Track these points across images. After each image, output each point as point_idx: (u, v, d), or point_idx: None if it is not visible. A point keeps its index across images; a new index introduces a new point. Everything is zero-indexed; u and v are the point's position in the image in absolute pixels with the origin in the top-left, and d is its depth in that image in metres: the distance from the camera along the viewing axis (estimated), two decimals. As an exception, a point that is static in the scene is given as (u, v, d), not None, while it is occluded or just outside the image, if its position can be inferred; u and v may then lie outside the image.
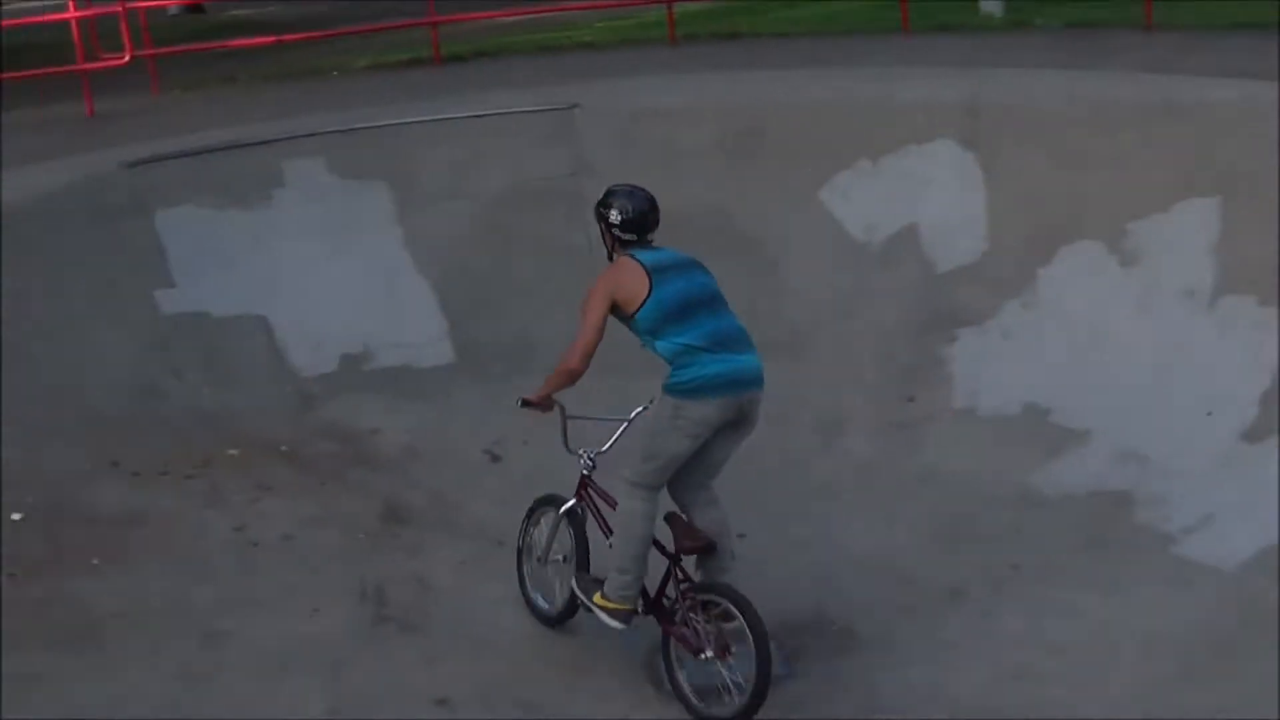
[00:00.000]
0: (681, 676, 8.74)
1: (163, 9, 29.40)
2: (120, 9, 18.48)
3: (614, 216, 9.23)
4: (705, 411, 8.86)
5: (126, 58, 18.28)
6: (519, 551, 9.87)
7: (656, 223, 9.35)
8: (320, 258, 13.20)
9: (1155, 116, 12.68)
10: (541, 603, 9.68)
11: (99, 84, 18.19)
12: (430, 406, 12.39)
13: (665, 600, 8.98)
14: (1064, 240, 12.28)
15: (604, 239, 9.42)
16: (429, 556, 10.33)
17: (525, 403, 9.65)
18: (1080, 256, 12.18)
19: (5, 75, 20.04)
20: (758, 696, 8.25)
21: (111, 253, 12.71)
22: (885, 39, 18.81)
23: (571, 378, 9.42)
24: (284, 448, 11.65)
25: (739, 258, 13.24)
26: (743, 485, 10.93)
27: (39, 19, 23.81)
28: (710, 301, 9.25)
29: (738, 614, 8.41)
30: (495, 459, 11.32)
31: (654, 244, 9.33)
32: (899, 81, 14.83)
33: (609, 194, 9.32)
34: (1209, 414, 10.78)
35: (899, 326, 12.51)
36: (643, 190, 9.39)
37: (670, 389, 8.97)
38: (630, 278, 9.02)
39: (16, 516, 10.00)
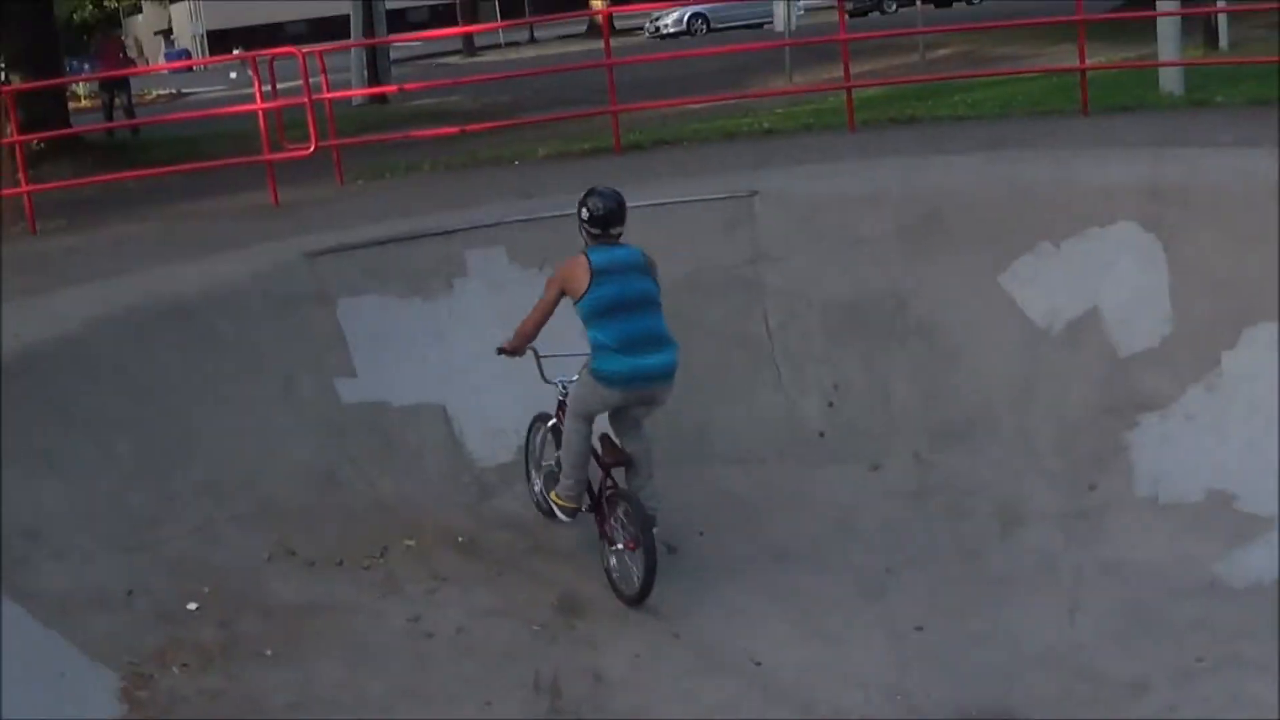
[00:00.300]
0: (609, 560, 11.02)
1: (347, 100, 29.96)
2: (306, 100, 18.76)
3: (584, 213, 10.98)
4: (610, 395, 10.82)
5: (312, 148, 18.55)
6: (525, 457, 12.31)
7: (621, 220, 10.97)
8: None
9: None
10: (541, 498, 11.93)
11: (284, 174, 18.48)
12: (606, 496, 12.38)
13: (601, 501, 11.17)
14: (1248, 322, 12.01)
15: (579, 232, 11.07)
16: (605, 649, 10.26)
17: (501, 350, 11.51)
18: (1265, 338, 11.88)
19: (194, 165, 20.52)
20: (646, 585, 10.54)
21: (294, 341, 12.89)
22: (1065, 120, 18.61)
23: (525, 339, 11.35)
24: (461, 537, 11.69)
25: (918, 344, 13.21)
26: (922, 575, 10.87)
27: (227, 110, 24.28)
28: (637, 305, 10.79)
29: (635, 519, 10.61)
30: (671, 549, 11.25)
31: (619, 241, 11.01)
32: (1079, 163, 14.66)
33: (588, 193, 11.07)
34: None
35: (1080, 412, 12.31)
36: (614, 191, 11.10)
37: (589, 369, 10.83)
38: (578, 273, 10.80)
39: (192, 606, 10.13)
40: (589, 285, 10.66)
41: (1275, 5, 21.12)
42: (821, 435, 12.99)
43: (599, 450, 11.19)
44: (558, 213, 13.95)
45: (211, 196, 19.04)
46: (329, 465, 12.15)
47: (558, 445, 11.39)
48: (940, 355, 13.11)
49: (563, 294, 10.93)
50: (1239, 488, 11.14)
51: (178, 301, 12.87)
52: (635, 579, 10.65)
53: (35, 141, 22.50)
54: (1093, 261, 13.08)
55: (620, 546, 10.82)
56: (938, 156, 16.13)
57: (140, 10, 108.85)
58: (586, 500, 11.25)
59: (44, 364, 11.64)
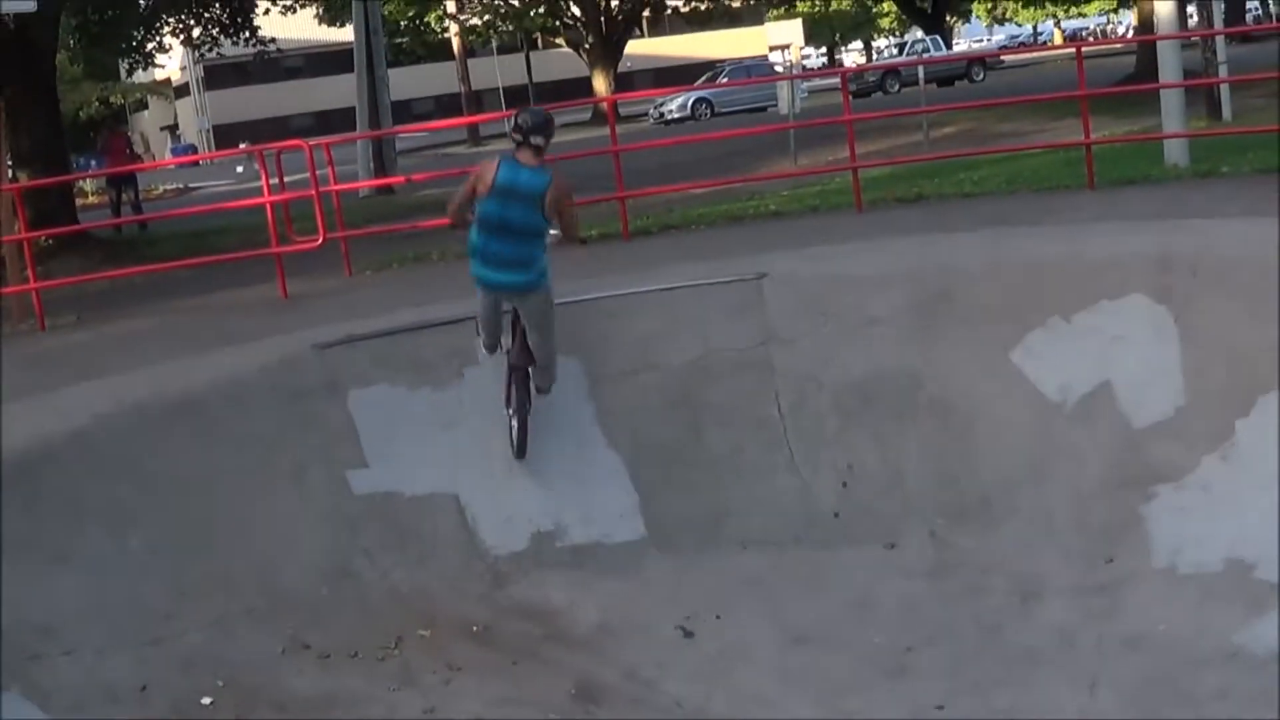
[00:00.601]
0: (510, 422, 13.08)
1: (354, 191, 30.06)
2: (313, 192, 18.82)
3: (512, 123, 12.58)
4: (478, 288, 12.80)
5: (320, 240, 18.58)
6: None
7: (541, 131, 12.39)
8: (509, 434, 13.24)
9: (1353, 261, 12.41)
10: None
11: (293, 266, 18.52)
12: (622, 582, 12.31)
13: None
14: (1261, 390, 11.97)
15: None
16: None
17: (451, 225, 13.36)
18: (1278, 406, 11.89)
19: (202, 259, 20.57)
20: (519, 444, 13.00)
21: (304, 434, 12.85)
22: (1071, 195, 18.65)
23: (451, 217, 13.21)
24: (476, 627, 11.62)
25: (931, 422, 13.18)
26: (942, 653, 10.81)
27: (235, 204, 24.41)
28: (510, 231, 12.30)
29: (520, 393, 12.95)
30: (688, 635, 11.21)
31: (541, 158, 12.38)
32: (1088, 238, 14.66)
33: (522, 108, 12.85)
34: None
35: (1096, 485, 12.26)
36: (542, 111, 12.76)
37: None
38: (485, 179, 12.29)
39: (207, 701, 10.06)
40: (486, 195, 12.24)
41: (1277, 75, 21.17)
42: (836, 516, 12.94)
43: (514, 346, 13.10)
44: (567, 299, 13.95)
45: (220, 290, 19.08)
46: (342, 557, 12.10)
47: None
48: (954, 433, 13.07)
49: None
50: (1257, 556, 11.05)
51: (188, 395, 12.85)
52: (513, 439, 13.01)
53: (43, 238, 22.61)
54: (1104, 335, 13.06)
55: (510, 412, 13.03)
56: (946, 234, 16.15)
57: (146, 106, 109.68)
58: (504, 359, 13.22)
59: (55, 459, 11.63)
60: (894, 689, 10.52)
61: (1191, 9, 30.11)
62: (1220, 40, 27.25)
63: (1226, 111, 27.11)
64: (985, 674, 10.55)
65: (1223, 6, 30.30)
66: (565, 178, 12.51)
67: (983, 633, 11.13)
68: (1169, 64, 20.52)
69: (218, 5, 34.14)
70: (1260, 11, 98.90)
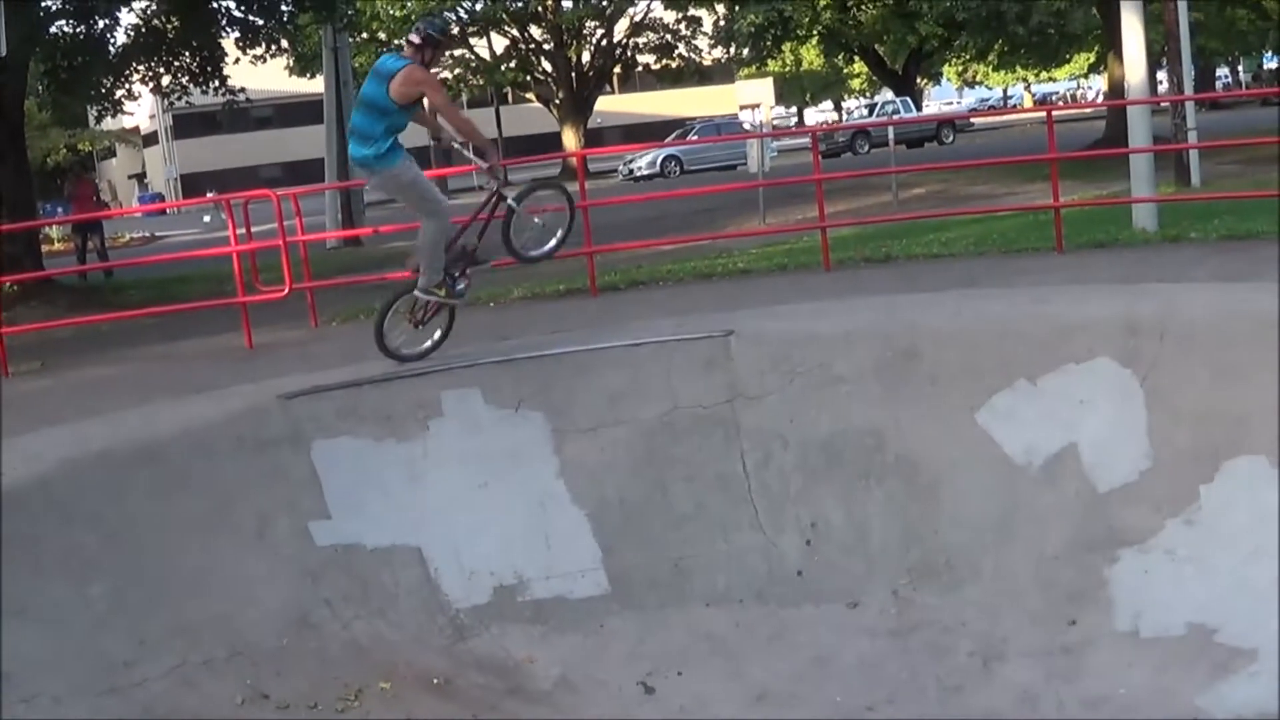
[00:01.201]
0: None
1: (321, 242, 30.02)
2: (281, 242, 18.79)
3: None
4: None
5: (286, 290, 18.56)
6: None
7: (417, 32, 13.22)
8: (475, 488, 13.19)
9: (1316, 327, 12.45)
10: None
11: (259, 316, 18.50)
12: (584, 637, 12.28)
13: None
14: (1227, 455, 12.01)
15: None
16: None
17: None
18: (1243, 472, 11.90)
19: (168, 308, 20.50)
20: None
21: (268, 483, 12.77)
22: (1039, 257, 18.73)
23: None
24: (436, 680, 11.56)
25: (896, 482, 13.17)
26: (903, 713, 10.79)
27: (201, 253, 24.34)
28: (360, 104, 13.36)
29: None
30: (649, 691, 11.17)
31: (417, 56, 13.20)
32: (1055, 300, 14.69)
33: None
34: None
35: (1059, 548, 12.27)
36: (435, 20, 13.82)
37: None
38: None
39: (162, 750, 10.00)
40: None
41: (1246, 142, 21.34)
42: (800, 574, 12.92)
43: None
44: (534, 353, 13.94)
45: (185, 339, 19.04)
46: (303, 608, 12.02)
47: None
48: (918, 493, 13.07)
49: None
50: (1220, 621, 11.09)
51: (151, 444, 12.77)
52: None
53: (8, 284, 22.51)
54: (1070, 397, 13.08)
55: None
56: (913, 295, 16.18)
57: (114, 154, 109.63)
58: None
59: (16, 506, 11.53)
60: None
61: (1161, 75, 30.35)
62: (1190, 106, 27.45)
63: (1195, 177, 27.29)
64: (949, 735, 10.55)
65: (1193, 73, 30.53)
66: (424, 71, 13.21)
67: (944, 693, 11.12)
68: (1139, 129, 20.64)
69: (187, 54, 34.10)
70: (1230, 79, 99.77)
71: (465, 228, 14.42)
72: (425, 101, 13.57)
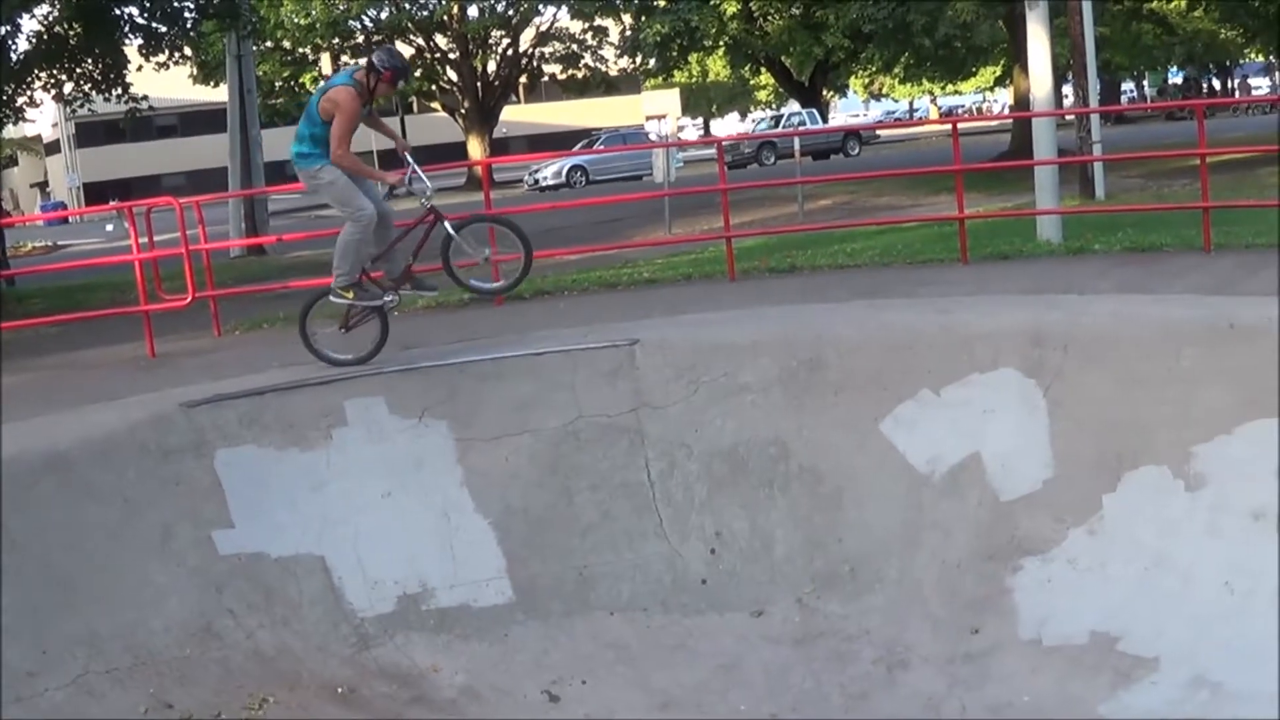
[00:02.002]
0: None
1: (225, 251, 29.81)
2: (183, 250, 18.65)
3: None
4: None
5: (188, 299, 18.40)
6: None
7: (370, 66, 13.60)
8: (379, 497, 13.13)
9: (1218, 337, 12.58)
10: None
11: (161, 325, 18.35)
12: (489, 646, 12.25)
13: None
14: (1130, 465, 12.14)
15: None
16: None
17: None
18: (1146, 481, 12.02)
19: (69, 316, 20.32)
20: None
21: (170, 492, 12.65)
22: (944, 269, 18.83)
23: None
24: (340, 689, 11.51)
25: (801, 491, 13.20)
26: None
27: (103, 260, 24.03)
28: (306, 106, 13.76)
29: None
30: (554, 699, 11.15)
31: (362, 79, 13.54)
32: (960, 311, 14.78)
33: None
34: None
35: (963, 556, 12.35)
36: (384, 50, 14.02)
37: None
38: None
39: (65, 760, 9.89)
40: None
41: (1150, 155, 21.55)
42: (704, 582, 12.93)
43: None
44: (438, 362, 13.90)
45: (87, 348, 18.85)
46: (207, 617, 11.92)
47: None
48: (822, 502, 13.11)
49: None
50: (1122, 629, 11.21)
51: (53, 453, 12.62)
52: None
53: (-93, 292, 22.25)
54: (974, 407, 13.16)
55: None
56: (818, 304, 16.24)
57: (16, 162, 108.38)
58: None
59: (-86, 516, 11.40)
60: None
61: (1067, 89, 30.61)
62: (1095, 119, 27.70)
63: (1100, 190, 27.54)
64: (853, 743, 10.58)
65: (1098, 87, 30.80)
66: (347, 95, 13.41)
67: (849, 701, 11.16)
68: (1043, 141, 20.83)
69: (90, 61, 33.80)
70: (1135, 94, 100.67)
71: (400, 238, 14.44)
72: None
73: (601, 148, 67.15)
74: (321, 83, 14.01)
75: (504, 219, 14.78)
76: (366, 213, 13.62)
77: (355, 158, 13.65)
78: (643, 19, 56.30)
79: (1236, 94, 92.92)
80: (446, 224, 14.08)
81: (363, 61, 13.80)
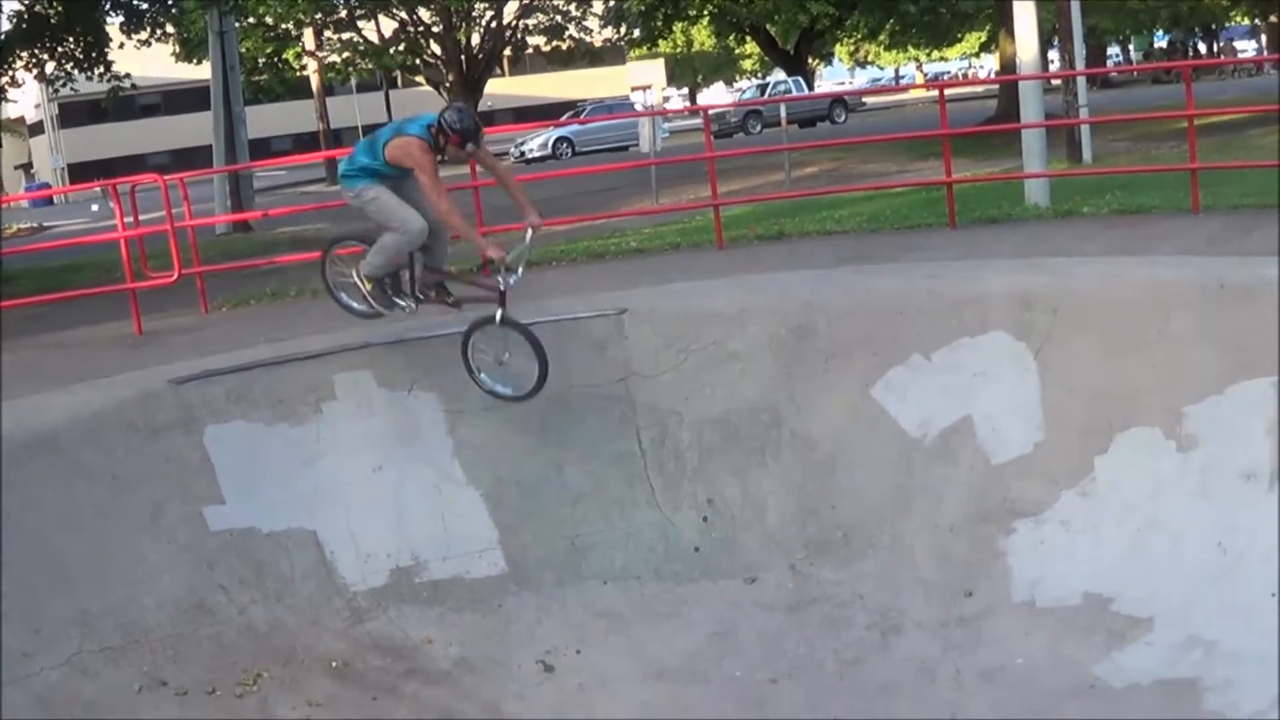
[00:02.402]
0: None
1: (211, 229, 29.70)
2: (168, 228, 18.56)
3: None
4: None
5: (174, 276, 18.30)
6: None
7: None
8: (370, 470, 13.11)
9: (1207, 298, 12.57)
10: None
11: (148, 302, 18.24)
12: (482, 617, 12.24)
13: None
14: (1120, 427, 12.14)
15: None
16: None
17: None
18: (1137, 443, 12.03)
19: (56, 295, 20.22)
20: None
21: (161, 469, 12.63)
22: (932, 234, 18.78)
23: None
24: (335, 663, 11.50)
25: (792, 457, 13.18)
26: (802, 686, 10.80)
27: (89, 239, 23.96)
28: (373, 133, 13.40)
29: None
30: (548, 669, 11.14)
31: (434, 138, 12.65)
32: (949, 276, 14.75)
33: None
34: (1273, 596, 10.54)
35: (956, 521, 12.35)
36: (454, 108, 12.97)
37: None
38: None
39: (61, 739, 9.87)
40: None
41: (1137, 117, 21.52)
42: (697, 550, 12.92)
43: None
44: (425, 334, 13.86)
45: (75, 327, 18.74)
46: (199, 593, 11.90)
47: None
48: (814, 468, 13.10)
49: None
50: (1115, 590, 11.24)
51: (43, 432, 12.58)
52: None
53: (-104, 276, 22.18)
54: (965, 371, 13.15)
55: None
56: (807, 271, 16.18)
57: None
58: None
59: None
60: (756, 722, 10.53)
61: (1053, 54, 30.55)
62: (1081, 82, 27.61)
63: (1087, 154, 27.47)
64: (845, 707, 10.58)
65: (1084, 51, 30.75)
66: (422, 151, 12.63)
67: (843, 666, 11.16)
68: (1030, 104, 20.73)
69: (72, 40, 33.65)
70: (1121, 58, 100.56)
71: (451, 276, 13.90)
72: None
73: (587, 118, 66.98)
74: (391, 120, 13.93)
75: (532, 333, 12.87)
76: (412, 226, 12.95)
77: (460, 216, 12.95)
78: (626, -12, 56.09)
79: (1221, 57, 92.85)
80: (500, 312, 12.71)
81: (438, 112, 12.90)
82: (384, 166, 12.91)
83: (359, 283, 13.52)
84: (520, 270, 12.71)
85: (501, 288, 12.63)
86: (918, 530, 12.42)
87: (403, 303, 13.57)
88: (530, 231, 12.87)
